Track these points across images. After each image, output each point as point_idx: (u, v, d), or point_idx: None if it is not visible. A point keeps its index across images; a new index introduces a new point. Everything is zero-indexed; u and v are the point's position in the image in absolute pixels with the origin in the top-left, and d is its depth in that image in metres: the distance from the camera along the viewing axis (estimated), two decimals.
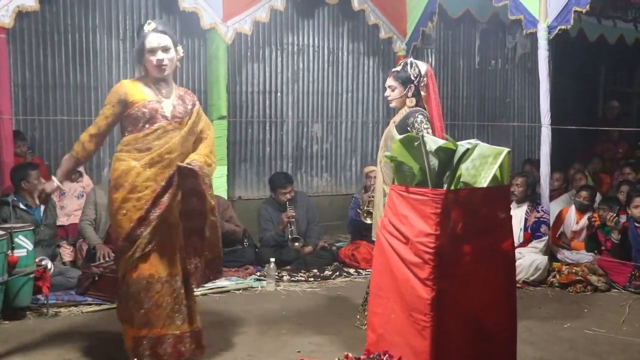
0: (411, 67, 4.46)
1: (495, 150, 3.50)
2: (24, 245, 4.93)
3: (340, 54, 8.55)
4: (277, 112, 8.13)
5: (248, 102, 7.89)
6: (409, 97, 4.46)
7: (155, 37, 3.72)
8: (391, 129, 4.51)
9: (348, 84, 8.63)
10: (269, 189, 7.02)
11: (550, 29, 6.41)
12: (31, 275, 4.89)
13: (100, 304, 5.25)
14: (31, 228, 5.02)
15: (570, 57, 10.35)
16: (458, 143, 3.46)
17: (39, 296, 5.05)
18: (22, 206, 5.58)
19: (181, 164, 3.74)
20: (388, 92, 4.52)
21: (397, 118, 4.53)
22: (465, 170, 3.45)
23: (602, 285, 6.01)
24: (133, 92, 3.79)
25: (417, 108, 4.45)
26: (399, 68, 4.52)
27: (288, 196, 6.68)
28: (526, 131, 10.22)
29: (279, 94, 8.13)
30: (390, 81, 4.50)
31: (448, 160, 3.39)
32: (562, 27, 6.39)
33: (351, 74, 8.65)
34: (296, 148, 8.34)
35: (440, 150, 3.36)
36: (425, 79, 4.47)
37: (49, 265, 5.18)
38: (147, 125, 3.74)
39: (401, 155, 3.52)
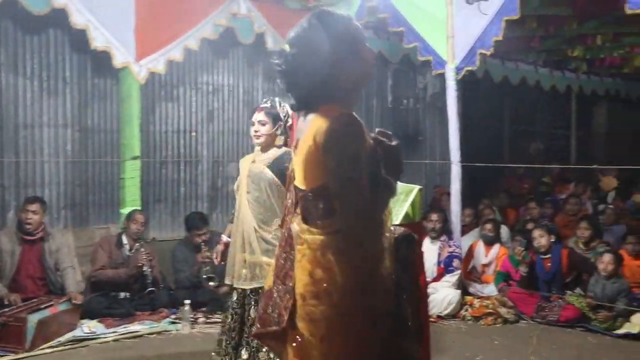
0: (280, 105, 4.36)
1: (407, 188, 3.60)
2: None
3: (255, 93, 8.59)
4: (192, 151, 8.05)
5: (162, 142, 7.78)
6: (278, 136, 4.34)
7: None
8: (261, 169, 4.29)
9: None
10: (184, 229, 6.93)
11: (457, 70, 6.67)
12: None
13: (2, 355, 4.99)
14: None
15: (478, 97, 10.77)
16: None
17: None
18: None
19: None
20: (257, 127, 4.30)
21: (265, 157, 4.34)
22: None
23: (511, 316, 6.20)
24: None
25: (290, 150, 4.17)
26: (268, 104, 4.36)
27: (203, 237, 6.60)
28: (438, 168, 10.50)
29: (193, 134, 8.06)
30: (261, 116, 4.30)
31: None
32: (469, 68, 6.66)
33: None
34: (212, 188, 8.26)
35: None
36: (290, 120, 4.39)
37: None
38: None
39: None
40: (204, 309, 6.34)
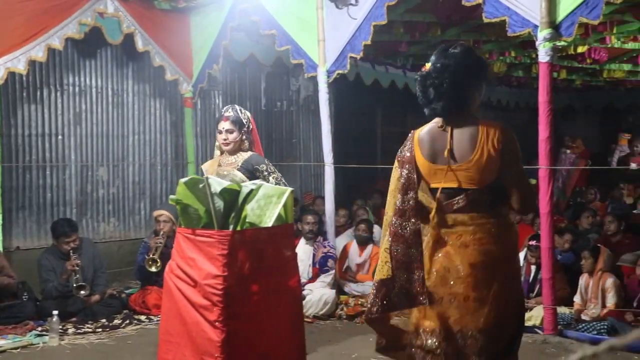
0: (241, 112, 4.60)
1: (279, 190, 3.63)
2: None
3: (125, 95, 8.35)
4: (59, 155, 7.71)
5: (25, 146, 7.40)
6: (243, 141, 4.57)
7: None
8: (229, 170, 4.46)
9: (134, 126, 8.43)
10: (52, 237, 6.62)
11: (329, 73, 6.79)
12: None
13: None
14: None
15: (350, 100, 11.00)
16: (242, 184, 3.52)
17: None
18: None
19: None
20: (226, 135, 4.52)
21: (234, 161, 4.54)
22: (251, 211, 3.53)
23: None
24: None
25: (256, 153, 4.59)
26: (231, 113, 4.56)
27: (72, 244, 6.34)
28: (312, 170, 10.63)
29: (59, 137, 7.73)
30: (227, 125, 4.52)
31: (233, 201, 3.44)
32: (340, 71, 6.79)
33: (137, 116, 8.47)
34: (80, 193, 7.95)
35: (225, 192, 3.40)
36: (250, 124, 4.63)
37: None
38: None
39: (186, 198, 3.51)
40: (73, 319, 6.09)
